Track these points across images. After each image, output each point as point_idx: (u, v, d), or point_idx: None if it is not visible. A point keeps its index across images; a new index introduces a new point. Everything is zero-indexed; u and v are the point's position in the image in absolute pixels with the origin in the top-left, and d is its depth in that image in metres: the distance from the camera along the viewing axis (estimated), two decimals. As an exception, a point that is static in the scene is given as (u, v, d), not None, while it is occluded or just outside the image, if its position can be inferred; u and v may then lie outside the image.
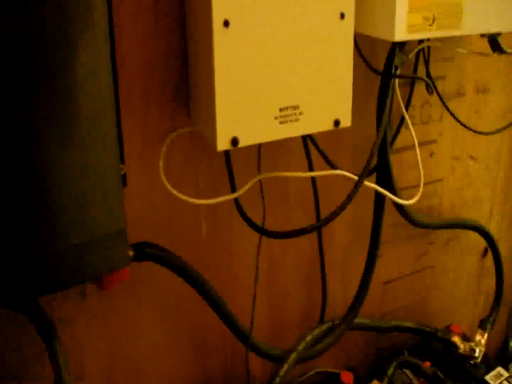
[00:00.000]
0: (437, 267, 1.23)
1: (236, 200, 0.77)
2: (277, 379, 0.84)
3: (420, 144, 0.95)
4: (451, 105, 1.03)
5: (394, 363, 1.04)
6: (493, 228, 1.28)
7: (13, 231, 0.53)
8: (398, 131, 0.95)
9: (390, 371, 1.01)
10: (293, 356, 0.86)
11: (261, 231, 0.78)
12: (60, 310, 0.76)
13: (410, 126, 0.90)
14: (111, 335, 0.82)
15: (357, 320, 1.04)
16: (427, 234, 1.18)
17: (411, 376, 1.08)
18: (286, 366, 0.85)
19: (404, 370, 1.09)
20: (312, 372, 1.07)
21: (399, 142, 0.99)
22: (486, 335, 1.17)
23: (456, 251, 1.25)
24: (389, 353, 1.14)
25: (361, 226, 1.02)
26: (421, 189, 0.88)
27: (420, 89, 1.00)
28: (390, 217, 1.00)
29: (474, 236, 1.26)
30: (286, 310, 1.01)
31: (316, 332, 0.92)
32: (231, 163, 0.75)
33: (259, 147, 0.78)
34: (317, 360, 1.05)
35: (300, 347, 0.88)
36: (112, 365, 0.85)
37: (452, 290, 1.31)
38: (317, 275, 0.98)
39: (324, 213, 0.83)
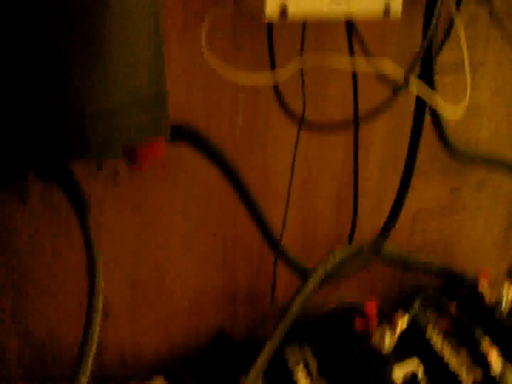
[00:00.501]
0: (469, 208, 1.20)
1: (275, 88, 0.74)
2: (302, 294, 0.81)
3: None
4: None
5: (419, 299, 1.00)
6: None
7: (49, 86, 0.51)
8: (443, 42, 0.89)
9: (414, 307, 0.98)
10: (320, 271, 0.83)
11: (300, 121, 0.74)
12: (90, 190, 0.74)
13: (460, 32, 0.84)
14: (139, 227, 0.82)
15: (385, 251, 1.02)
16: (462, 172, 1.16)
17: (434, 316, 1.04)
18: (312, 281, 0.82)
19: (428, 308, 1.06)
20: (334, 301, 1.04)
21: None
22: None
23: (488, 195, 1.22)
24: (413, 290, 1.10)
25: (397, 147, 0.99)
26: (466, 103, 0.84)
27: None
28: (425, 150, 0.98)
29: (508, 183, 1.22)
30: (317, 230, 1.00)
31: (345, 251, 0.88)
32: (274, 45, 0.73)
33: (302, 30, 0.73)
34: (340, 291, 1.03)
35: (328, 264, 0.85)
36: (136, 264, 0.86)
37: (482, 235, 1.27)
38: (349, 196, 0.96)
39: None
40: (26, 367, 0.84)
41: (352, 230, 0.95)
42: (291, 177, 0.81)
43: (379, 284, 1.14)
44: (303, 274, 0.86)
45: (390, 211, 0.91)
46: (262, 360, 0.73)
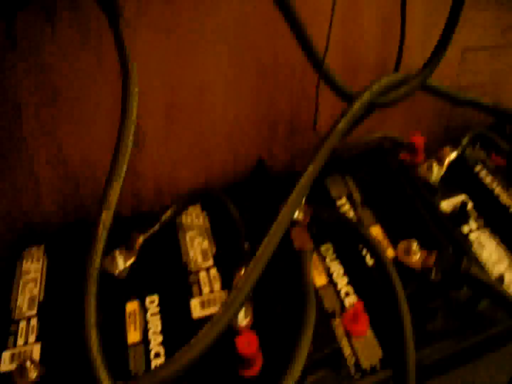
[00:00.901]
0: None
1: None
2: (347, 116, 0.74)
3: None
4: None
5: (469, 135, 0.92)
6: None
7: None
8: None
9: (462, 143, 0.90)
10: (366, 95, 0.76)
11: None
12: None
13: None
14: (174, 51, 0.77)
15: (433, 83, 0.95)
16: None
17: (483, 154, 0.97)
18: (358, 103, 0.75)
19: (477, 145, 0.98)
20: (380, 134, 0.97)
21: None
22: None
23: None
24: (462, 129, 1.02)
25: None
26: None
27: None
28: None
29: None
30: (361, 55, 0.92)
31: (392, 78, 0.80)
32: None
33: None
34: (386, 125, 0.95)
35: (375, 87, 0.77)
36: (171, 90, 0.81)
37: None
38: (396, 22, 0.87)
39: None
40: (60, 200, 0.80)
41: (399, 57, 0.87)
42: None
43: (425, 120, 1.07)
44: (348, 98, 0.78)
45: (438, 40, 0.82)
46: (304, 180, 0.67)
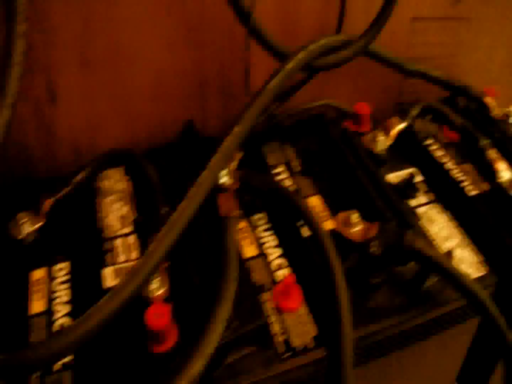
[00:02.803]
0: (474, 21, 1.03)
1: None
2: (280, 74, 0.64)
3: None
4: None
5: (420, 104, 0.84)
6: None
7: None
8: None
9: (414, 111, 0.82)
10: (302, 54, 0.66)
11: None
12: None
13: None
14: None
15: (380, 50, 0.89)
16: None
17: (435, 127, 0.89)
18: (293, 62, 0.65)
19: (428, 117, 0.90)
20: (322, 101, 0.87)
21: None
22: None
23: (497, 8, 1.03)
24: (413, 102, 0.94)
25: None
26: None
27: None
28: None
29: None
30: (299, 18, 0.84)
31: (332, 38, 0.71)
32: None
33: None
34: (329, 95, 0.86)
35: (312, 47, 0.67)
36: (87, 41, 0.72)
37: (488, 53, 1.10)
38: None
39: None
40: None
41: (340, 20, 0.79)
42: None
43: (374, 91, 0.98)
44: (283, 57, 0.69)
45: (382, 3, 0.73)
46: (228, 142, 0.58)
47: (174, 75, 0.76)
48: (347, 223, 0.63)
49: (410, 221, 0.65)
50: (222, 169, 0.63)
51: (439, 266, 0.58)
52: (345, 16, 0.81)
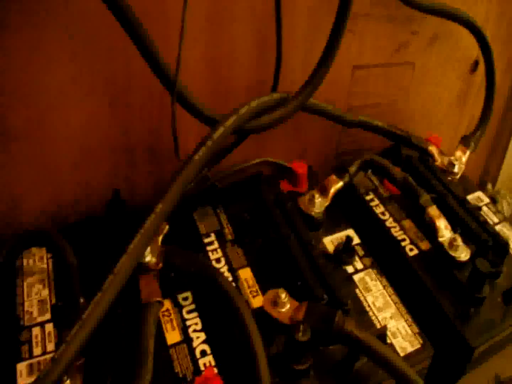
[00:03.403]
0: (418, 66, 1.01)
1: None
2: (209, 142, 0.61)
3: None
4: None
5: (359, 160, 0.81)
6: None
7: None
8: None
9: (352, 168, 0.79)
10: (232, 119, 0.63)
11: None
12: None
13: None
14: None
15: (318, 104, 0.86)
16: (411, 21, 0.98)
17: (375, 181, 0.87)
18: (222, 129, 0.62)
19: (368, 173, 0.88)
20: (259, 160, 0.85)
21: None
22: (468, 153, 0.97)
23: (441, 53, 1.03)
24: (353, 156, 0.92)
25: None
26: None
27: None
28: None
29: (465, 42, 1.07)
30: (233, 76, 0.82)
31: (265, 99, 0.69)
32: None
33: None
34: (267, 151, 0.84)
35: (243, 110, 0.65)
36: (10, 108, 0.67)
37: (432, 100, 1.09)
38: (272, 37, 0.77)
39: None
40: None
41: (276, 77, 0.76)
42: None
43: (312, 148, 0.96)
44: (212, 122, 0.66)
45: (322, 52, 0.71)
46: (149, 223, 0.55)
47: (99, 144, 0.74)
48: (275, 303, 0.59)
49: (342, 298, 0.62)
50: (144, 251, 0.60)
51: (369, 349, 0.55)
52: (281, 72, 0.77)
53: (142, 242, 0.56)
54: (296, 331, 0.56)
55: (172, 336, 0.60)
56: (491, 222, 0.86)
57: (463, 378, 0.71)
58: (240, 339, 0.56)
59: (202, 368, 0.57)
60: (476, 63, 1.13)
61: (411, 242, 0.78)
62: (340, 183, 0.79)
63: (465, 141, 0.99)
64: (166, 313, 0.62)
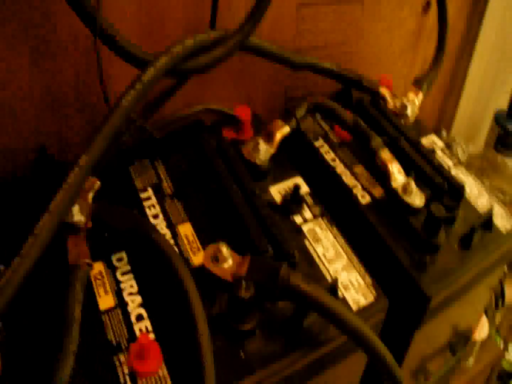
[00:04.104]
0: (368, 4, 0.93)
1: None
2: (138, 85, 0.53)
3: None
4: None
5: (306, 103, 0.75)
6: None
7: None
8: None
9: (300, 112, 0.73)
10: (164, 59, 0.56)
11: None
12: None
13: None
14: None
15: (261, 44, 0.79)
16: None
17: (325, 126, 0.81)
18: (152, 70, 0.55)
19: (317, 117, 0.82)
20: (200, 107, 0.78)
21: None
22: (421, 95, 0.92)
23: None
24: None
25: None
26: None
27: None
28: None
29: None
30: (166, 15, 0.75)
31: (202, 37, 0.62)
32: None
33: None
34: (210, 98, 0.77)
35: (176, 49, 0.58)
36: None
37: (385, 40, 1.03)
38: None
39: None
40: None
41: (213, 12, 0.68)
42: None
43: (260, 89, 0.89)
44: (143, 64, 0.58)
45: None
46: (73, 178, 0.48)
47: (21, 99, 0.65)
48: (216, 258, 0.54)
49: (288, 250, 0.57)
50: (68, 209, 0.54)
51: (318, 304, 0.51)
52: (219, 8, 0.70)
53: (66, 199, 0.51)
54: (238, 288, 0.50)
55: (105, 301, 0.54)
56: (446, 166, 0.80)
57: (420, 329, 0.67)
58: (178, 301, 0.50)
59: (138, 334, 0.51)
60: (428, 4, 1.07)
61: (363, 189, 0.74)
62: (287, 128, 0.73)
63: (417, 83, 0.94)
64: (98, 276, 0.56)
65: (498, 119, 1.48)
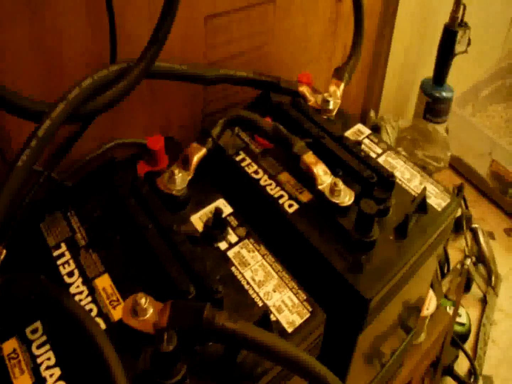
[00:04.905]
0: (280, 4, 0.90)
1: None
2: (33, 142, 0.51)
3: None
4: None
5: (222, 119, 0.71)
6: None
7: None
8: None
9: (215, 130, 0.70)
10: (60, 107, 0.53)
11: None
12: None
13: None
14: None
15: (171, 67, 0.77)
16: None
17: (245, 138, 0.78)
18: (48, 123, 0.52)
19: (236, 130, 0.79)
20: (111, 144, 0.74)
21: None
22: (342, 86, 0.90)
23: None
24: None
25: None
26: None
27: None
28: None
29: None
30: (62, 52, 0.71)
31: (101, 74, 0.59)
32: None
33: None
34: (123, 131, 0.73)
35: (73, 94, 0.55)
36: None
37: (301, 36, 1.00)
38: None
39: None
40: None
41: (113, 45, 0.65)
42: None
43: (174, 113, 0.86)
44: (37, 118, 0.55)
45: (161, 10, 0.60)
46: None
47: None
48: (135, 311, 0.51)
49: (210, 285, 0.54)
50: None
51: (247, 341, 0.48)
52: (121, 39, 0.66)
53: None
54: (160, 341, 0.47)
55: (21, 382, 0.49)
56: (374, 155, 0.79)
57: (363, 330, 0.65)
58: (97, 366, 0.46)
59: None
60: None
61: (290, 197, 0.71)
62: (203, 150, 0.70)
63: (338, 74, 0.92)
64: (12, 355, 0.52)
65: (425, 88, 1.48)
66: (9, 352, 0.53)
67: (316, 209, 0.70)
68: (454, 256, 1.57)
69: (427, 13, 1.43)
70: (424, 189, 0.73)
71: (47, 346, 0.53)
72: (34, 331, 0.55)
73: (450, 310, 1.35)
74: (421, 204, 0.71)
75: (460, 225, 1.63)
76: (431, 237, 0.70)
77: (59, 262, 0.61)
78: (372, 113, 1.37)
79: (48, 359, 0.52)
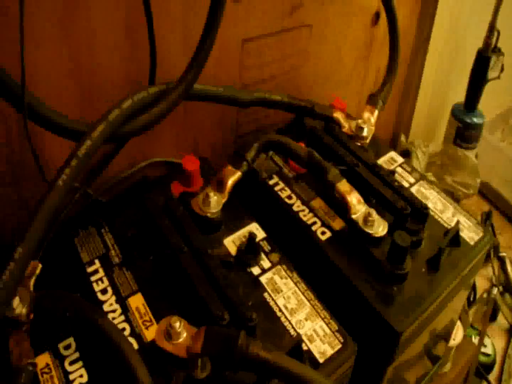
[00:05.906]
0: (316, 28, 0.90)
1: None
2: (74, 161, 0.52)
3: None
4: None
5: (257, 143, 0.72)
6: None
7: None
8: None
9: (250, 154, 0.70)
10: (100, 128, 0.53)
11: None
12: None
13: None
14: None
15: (207, 89, 0.77)
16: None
17: (279, 161, 0.78)
18: (88, 143, 0.52)
19: (270, 153, 0.79)
20: (146, 162, 0.75)
21: None
22: (376, 113, 0.89)
23: (339, 8, 0.92)
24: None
25: None
26: None
27: None
28: None
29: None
30: (100, 73, 0.72)
31: (140, 96, 0.59)
32: None
33: None
34: (155, 151, 0.74)
35: (113, 115, 0.55)
36: None
37: (335, 59, 1.00)
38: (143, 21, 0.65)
39: None
40: None
41: (153, 66, 0.66)
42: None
43: (206, 135, 0.86)
44: (78, 136, 0.55)
45: (203, 31, 0.61)
46: (7, 276, 0.45)
47: None
48: (169, 334, 0.51)
49: (244, 313, 0.53)
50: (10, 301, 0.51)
51: (281, 373, 0.48)
52: (159, 61, 0.67)
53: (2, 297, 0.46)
54: (194, 367, 0.47)
55: None
56: (407, 184, 0.78)
57: (393, 362, 0.64)
58: None
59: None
60: (377, 15, 1.05)
61: (323, 224, 0.71)
62: (238, 174, 0.70)
63: (372, 100, 0.91)
64: (45, 370, 0.53)
65: (455, 113, 1.47)
66: (42, 366, 0.53)
67: (349, 238, 0.69)
68: (481, 285, 1.54)
69: (459, 38, 1.42)
70: (457, 223, 0.72)
71: (80, 363, 0.53)
72: (67, 347, 0.55)
73: (475, 340, 1.33)
74: (454, 238, 0.70)
75: (487, 253, 1.61)
76: (463, 271, 0.70)
77: (92, 278, 0.62)
78: (402, 138, 1.36)
79: (81, 376, 0.53)
